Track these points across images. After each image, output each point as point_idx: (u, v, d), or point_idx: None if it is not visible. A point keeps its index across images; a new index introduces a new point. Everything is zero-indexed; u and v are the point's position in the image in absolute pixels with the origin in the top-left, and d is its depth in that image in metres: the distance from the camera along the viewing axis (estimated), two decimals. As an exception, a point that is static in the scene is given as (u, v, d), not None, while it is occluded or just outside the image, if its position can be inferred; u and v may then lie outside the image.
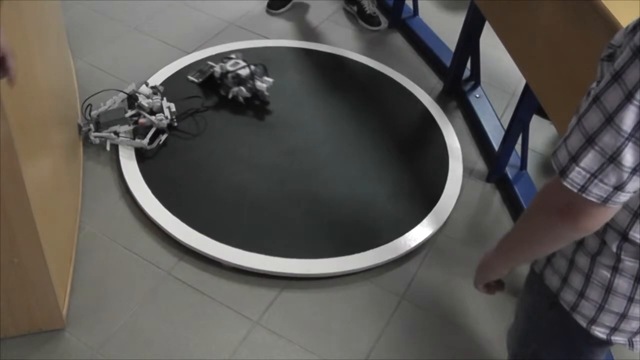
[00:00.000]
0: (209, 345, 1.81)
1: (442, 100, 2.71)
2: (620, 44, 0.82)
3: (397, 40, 3.06)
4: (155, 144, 2.29)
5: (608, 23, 1.48)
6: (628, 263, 0.96)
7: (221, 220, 2.10)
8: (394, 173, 2.34)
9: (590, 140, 0.80)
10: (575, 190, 0.82)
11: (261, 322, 1.88)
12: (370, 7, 3.10)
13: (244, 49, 2.81)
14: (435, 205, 2.22)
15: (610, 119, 0.78)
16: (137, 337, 1.80)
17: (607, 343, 1.06)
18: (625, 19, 1.47)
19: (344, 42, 2.95)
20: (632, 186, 0.81)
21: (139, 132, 2.29)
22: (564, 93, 1.72)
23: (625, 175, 0.80)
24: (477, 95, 2.68)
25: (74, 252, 1.96)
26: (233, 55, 2.59)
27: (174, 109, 2.38)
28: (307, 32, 3.05)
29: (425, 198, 2.25)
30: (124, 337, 1.79)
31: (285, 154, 2.36)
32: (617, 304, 1.00)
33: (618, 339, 1.05)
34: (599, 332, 1.04)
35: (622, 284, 0.98)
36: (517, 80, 2.75)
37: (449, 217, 2.20)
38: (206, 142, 2.38)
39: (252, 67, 2.53)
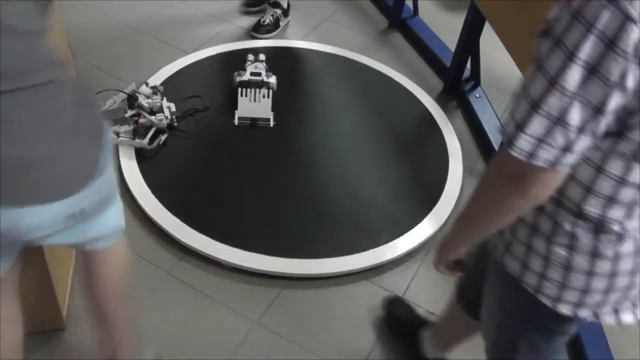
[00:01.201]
0: (209, 345, 1.81)
1: (442, 100, 2.71)
2: (556, 17, 0.83)
3: (397, 40, 3.06)
4: (155, 144, 2.29)
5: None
6: (584, 240, 0.98)
7: (221, 220, 2.10)
8: (394, 173, 2.34)
9: (535, 106, 0.82)
10: (523, 158, 0.84)
11: (261, 322, 1.88)
12: (267, 15, 2.97)
13: (243, 49, 2.81)
14: (435, 205, 2.22)
15: (554, 82, 0.80)
16: (138, 337, 1.80)
17: (574, 319, 1.08)
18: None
19: (344, 42, 2.95)
20: (579, 146, 0.82)
21: (139, 132, 2.29)
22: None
23: (573, 135, 0.81)
24: (477, 95, 2.68)
25: (74, 252, 1.96)
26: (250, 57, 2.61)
27: (174, 109, 2.37)
28: (307, 32, 3.05)
29: (425, 198, 2.25)
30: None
31: (285, 154, 2.36)
32: (578, 281, 1.02)
33: (584, 313, 1.06)
34: (565, 309, 1.06)
35: (581, 261, 1.00)
36: (517, 80, 2.74)
37: (448, 217, 2.20)
38: (206, 142, 2.38)
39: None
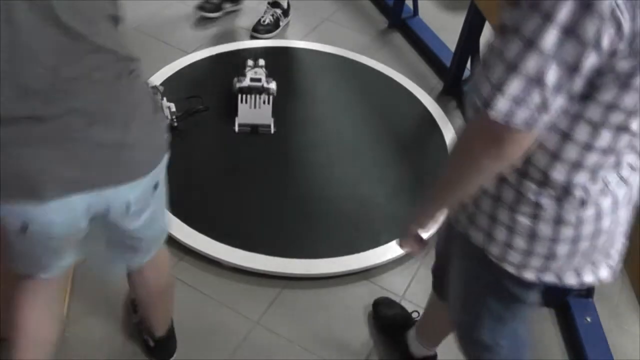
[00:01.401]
0: (209, 345, 1.81)
1: (442, 100, 2.71)
2: None
3: (397, 40, 3.06)
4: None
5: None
6: (548, 209, 1.00)
7: (221, 220, 2.10)
8: (394, 173, 2.34)
9: (513, 68, 0.83)
10: (501, 119, 0.85)
11: (261, 322, 1.88)
12: (267, 15, 2.97)
13: (243, 49, 2.81)
14: (435, 205, 2.22)
15: (531, 43, 0.81)
16: (137, 337, 1.80)
17: (538, 284, 1.11)
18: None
19: (344, 42, 2.95)
20: (555, 106, 0.84)
21: None
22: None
23: (549, 95, 0.83)
24: (477, 96, 2.68)
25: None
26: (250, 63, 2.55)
27: (174, 109, 2.37)
28: (307, 32, 3.05)
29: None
30: (123, 337, 1.79)
31: (285, 154, 2.36)
32: (542, 248, 1.04)
33: (547, 278, 1.09)
34: (529, 275, 1.09)
35: (545, 229, 1.02)
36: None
37: (449, 217, 2.20)
38: (206, 142, 2.37)
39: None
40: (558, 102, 0.85)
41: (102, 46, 0.98)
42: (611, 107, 0.88)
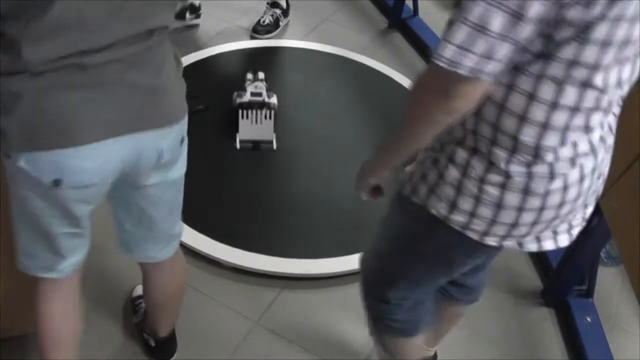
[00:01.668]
0: (209, 345, 1.81)
1: (442, 100, 2.70)
2: None
3: (397, 40, 3.06)
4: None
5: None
6: (517, 178, 1.01)
7: (221, 221, 2.10)
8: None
9: (459, 17, 0.85)
10: (446, 66, 0.85)
11: (261, 322, 1.88)
12: (266, 15, 2.96)
13: (244, 48, 2.81)
14: (435, 205, 2.22)
15: None
16: (137, 337, 1.80)
17: (499, 248, 1.13)
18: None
19: (344, 42, 2.95)
20: (500, 54, 0.84)
21: None
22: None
23: (493, 42, 0.83)
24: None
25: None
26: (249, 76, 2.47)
27: None
28: (307, 32, 3.05)
29: (425, 198, 2.25)
30: (123, 337, 1.79)
31: (285, 154, 2.36)
32: (508, 216, 1.05)
33: (508, 243, 1.11)
34: (491, 241, 1.10)
35: (513, 198, 1.02)
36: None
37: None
38: (206, 141, 2.37)
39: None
40: (503, 51, 0.84)
41: (144, 5, 1.05)
42: (573, 63, 0.89)
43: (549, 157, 0.98)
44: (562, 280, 1.97)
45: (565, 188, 1.03)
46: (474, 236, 1.10)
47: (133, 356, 1.76)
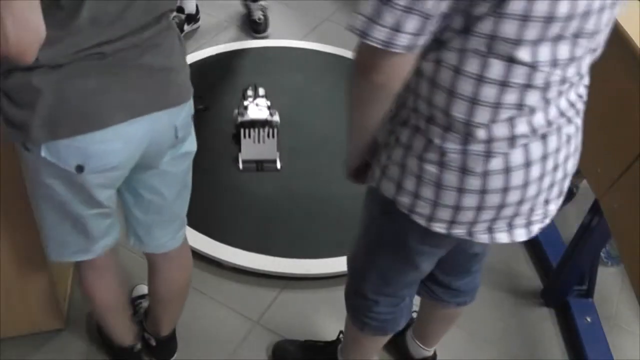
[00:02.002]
0: (209, 345, 1.81)
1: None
2: None
3: (397, 40, 3.06)
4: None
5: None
6: (452, 155, 1.00)
7: (221, 220, 2.10)
8: (394, 173, 2.34)
9: None
10: (359, 36, 0.89)
11: (261, 322, 1.88)
12: (257, 12, 2.96)
13: (244, 49, 2.81)
14: (435, 205, 2.22)
15: None
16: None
17: (448, 237, 1.11)
18: (626, 21, 1.47)
19: (344, 42, 2.95)
20: (408, 26, 0.86)
21: None
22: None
23: (400, 14, 0.85)
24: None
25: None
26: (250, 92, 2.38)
27: None
28: (307, 32, 3.05)
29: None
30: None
31: (286, 154, 2.35)
32: (449, 198, 1.04)
33: (458, 231, 1.09)
34: (439, 227, 1.09)
35: (451, 177, 1.02)
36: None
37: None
38: (206, 142, 2.37)
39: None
40: (412, 24, 0.86)
41: None
42: (493, 37, 0.89)
43: (481, 133, 0.98)
44: (562, 280, 1.97)
45: (507, 170, 1.01)
46: (421, 221, 1.09)
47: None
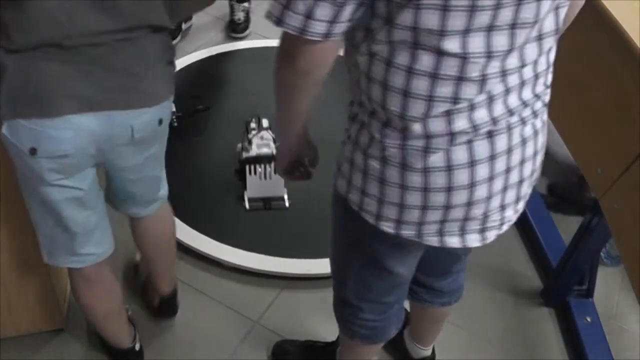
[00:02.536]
0: (209, 345, 1.81)
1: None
2: None
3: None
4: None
5: (608, 22, 1.48)
6: (392, 150, 0.99)
7: (221, 220, 2.10)
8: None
9: None
10: (274, 23, 0.89)
11: (261, 322, 1.88)
12: (239, 13, 2.94)
13: (243, 48, 2.81)
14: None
15: None
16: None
17: (397, 237, 1.08)
18: (626, 21, 1.47)
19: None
20: (320, 13, 0.86)
21: None
22: (563, 93, 1.72)
23: (311, 2, 0.86)
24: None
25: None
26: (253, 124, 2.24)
27: (174, 109, 2.37)
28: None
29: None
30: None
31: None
32: (393, 195, 1.03)
33: (406, 231, 1.07)
34: (387, 226, 1.07)
35: (393, 173, 1.01)
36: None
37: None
38: (206, 142, 2.38)
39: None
40: (323, 11, 0.86)
41: (130, 5, 1.14)
42: (415, 29, 0.88)
43: (418, 128, 0.96)
44: (562, 280, 1.97)
45: (449, 168, 0.98)
46: (370, 219, 1.08)
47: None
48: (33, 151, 1.17)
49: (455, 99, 0.93)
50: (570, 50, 1.68)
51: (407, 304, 1.79)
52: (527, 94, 0.99)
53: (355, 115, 1.06)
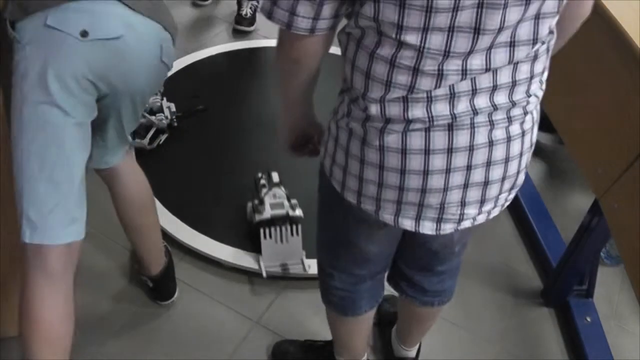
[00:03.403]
0: (209, 345, 1.81)
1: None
2: None
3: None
4: (155, 144, 2.29)
5: (608, 22, 1.48)
6: (355, 125, 1.06)
7: (221, 220, 2.10)
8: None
9: None
10: (265, 15, 0.96)
11: (261, 322, 1.88)
12: (246, 8, 3.02)
13: (243, 49, 2.81)
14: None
15: None
16: (138, 337, 1.80)
17: (360, 210, 1.14)
18: (626, 21, 1.47)
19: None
20: (301, 10, 0.93)
21: (138, 131, 2.29)
22: (563, 93, 1.72)
23: (292, 2, 0.93)
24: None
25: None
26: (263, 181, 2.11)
27: (174, 109, 2.37)
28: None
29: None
30: (124, 337, 1.79)
31: (286, 154, 2.35)
32: (354, 167, 1.09)
33: (366, 206, 1.12)
34: (350, 197, 1.13)
35: (354, 146, 1.07)
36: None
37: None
38: (206, 142, 2.38)
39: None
40: (303, 9, 0.93)
41: None
42: (376, 20, 0.93)
43: (376, 109, 1.01)
44: (562, 280, 1.97)
45: (403, 151, 1.02)
46: (337, 186, 1.15)
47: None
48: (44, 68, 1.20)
49: (410, 88, 0.97)
50: (570, 50, 1.68)
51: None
52: (500, 98, 1.00)
53: (341, 90, 1.13)
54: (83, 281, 1.89)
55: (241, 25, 2.97)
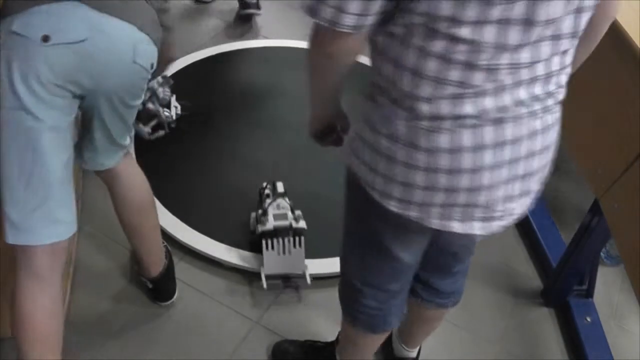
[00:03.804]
0: (209, 345, 1.81)
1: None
2: None
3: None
4: (154, 136, 2.28)
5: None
6: (399, 128, 1.02)
7: (221, 220, 2.10)
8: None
9: None
10: (308, 14, 0.95)
11: (261, 322, 1.88)
12: None
13: (243, 49, 2.81)
14: (435, 206, 2.21)
15: None
16: (138, 337, 1.80)
17: (400, 218, 1.09)
18: (626, 21, 1.47)
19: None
20: (351, 7, 0.91)
21: (141, 116, 2.25)
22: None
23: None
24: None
25: (74, 252, 1.96)
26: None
27: (179, 111, 2.36)
28: (308, 32, 3.05)
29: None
30: (124, 337, 1.79)
31: (285, 154, 2.36)
32: (400, 173, 1.05)
33: (412, 212, 1.08)
34: (391, 205, 1.09)
35: (399, 151, 1.03)
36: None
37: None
38: (206, 142, 2.38)
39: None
40: (354, 6, 0.91)
41: None
42: (430, 15, 0.91)
43: (425, 108, 0.98)
44: (562, 280, 1.97)
45: (453, 151, 1.00)
46: (375, 195, 1.10)
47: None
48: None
49: (463, 84, 0.96)
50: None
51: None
52: (538, 89, 1.02)
53: (369, 94, 1.09)
54: (83, 281, 1.91)
55: (245, 8, 2.95)
